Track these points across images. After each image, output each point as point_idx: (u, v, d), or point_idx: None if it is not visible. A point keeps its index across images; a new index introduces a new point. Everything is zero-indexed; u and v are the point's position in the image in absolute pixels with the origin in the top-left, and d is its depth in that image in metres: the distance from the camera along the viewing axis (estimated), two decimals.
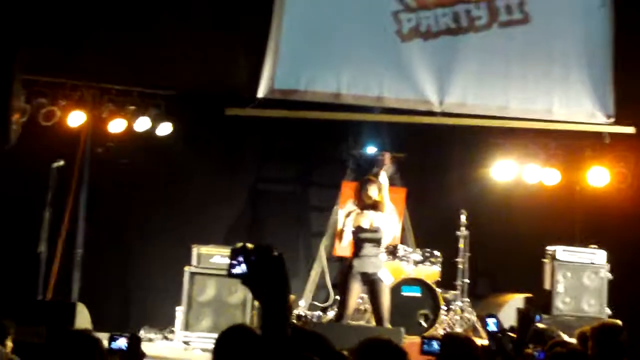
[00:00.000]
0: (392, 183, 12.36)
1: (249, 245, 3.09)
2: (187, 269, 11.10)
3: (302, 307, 11.99)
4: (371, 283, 9.69)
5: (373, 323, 10.14)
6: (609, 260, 11.44)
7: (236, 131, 12.41)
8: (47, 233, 11.03)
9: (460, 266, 11.96)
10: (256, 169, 13.41)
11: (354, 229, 9.71)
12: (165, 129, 12.22)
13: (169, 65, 11.93)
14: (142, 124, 12.11)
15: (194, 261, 11.14)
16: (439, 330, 10.92)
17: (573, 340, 6.61)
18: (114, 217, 12.26)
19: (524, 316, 6.09)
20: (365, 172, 11.71)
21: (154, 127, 12.16)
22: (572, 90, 11.76)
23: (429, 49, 11.76)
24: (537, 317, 6.27)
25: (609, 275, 11.40)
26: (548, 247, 11.61)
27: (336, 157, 13.14)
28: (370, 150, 12.79)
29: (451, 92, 11.65)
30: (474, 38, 11.81)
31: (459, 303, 11.74)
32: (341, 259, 11.78)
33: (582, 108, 11.72)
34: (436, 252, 11.76)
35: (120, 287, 12.46)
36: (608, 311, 11.24)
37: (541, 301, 11.36)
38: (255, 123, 12.07)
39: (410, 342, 8.60)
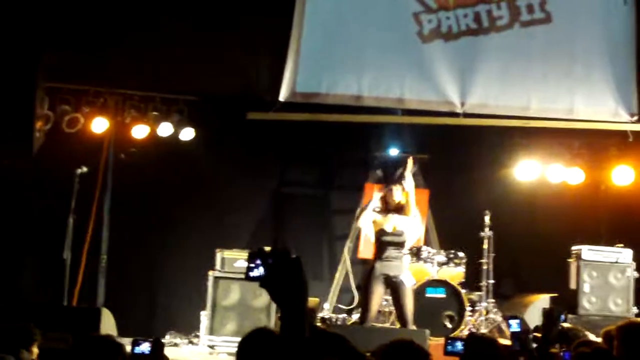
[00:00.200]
0: (415, 185, 12.37)
1: (267, 248, 3.09)
2: (211, 273, 11.13)
3: (326, 310, 11.99)
4: (394, 285, 9.68)
5: (398, 325, 10.12)
6: (635, 259, 11.36)
7: (258, 135, 12.42)
8: (72, 239, 11.08)
9: (484, 267, 11.92)
10: (279, 172, 13.42)
11: (377, 232, 9.71)
12: (187, 134, 12.27)
13: (190, 70, 11.97)
14: (165, 129, 12.17)
15: (218, 265, 11.17)
16: (464, 331, 10.88)
17: (599, 340, 6.56)
18: (138, 223, 12.30)
19: (549, 316, 6.06)
20: (388, 174, 11.70)
21: (176, 133, 12.21)
22: (595, 89, 11.68)
23: (450, 50, 11.72)
24: (562, 316, 6.25)
25: (636, 274, 11.32)
26: (573, 247, 11.55)
27: (358, 159, 13.13)
28: (393, 152, 12.78)
29: (473, 93, 11.60)
30: (496, 38, 11.76)
31: (484, 304, 11.70)
32: (364, 261, 11.77)
33: (605, 107, 11.64)
34: (460, 253, 11.73)
35: (145, 292, 12.50)
36: (635, 310, 11.17)
37: (567, 301, 11.30)
38: (277, 127, 12.07)
39: (435, 343, 8.58)
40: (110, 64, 11.89)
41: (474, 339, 5.72)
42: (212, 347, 10.88)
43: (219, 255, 11.17)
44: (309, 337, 3.09)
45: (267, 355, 4.13)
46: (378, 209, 10.02)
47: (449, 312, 11.03)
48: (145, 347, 5.02)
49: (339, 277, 12.37)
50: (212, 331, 10.98)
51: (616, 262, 11.39)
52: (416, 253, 11.51)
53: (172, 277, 12.40)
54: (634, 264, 11.37)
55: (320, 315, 11.53)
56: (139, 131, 12.17)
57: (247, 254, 3.12)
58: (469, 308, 11.24)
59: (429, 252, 11.63)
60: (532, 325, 6.58)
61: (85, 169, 11.31)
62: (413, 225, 10.28)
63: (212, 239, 11.75)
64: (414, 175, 11.97)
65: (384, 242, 9.68)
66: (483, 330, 11.07)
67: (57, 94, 11.81)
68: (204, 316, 11.10)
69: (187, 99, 12.35)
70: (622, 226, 12.15)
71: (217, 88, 12.11)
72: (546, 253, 11.99)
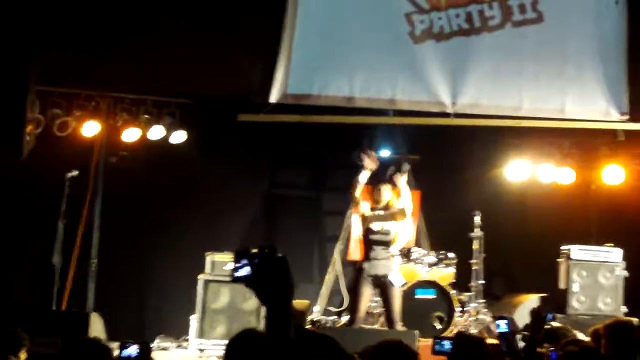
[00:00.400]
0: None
1: (253, 249, 3.09)
2: (201, 276, 11.12)
3: (316, 312, 11.99)
4: (382, 285, 9.68)
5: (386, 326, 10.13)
6: (624, 258, 11.37)
7: (250, 137, 12.41)
8: (62, 243, 11.06)
9: (475, 267, 11.93)
10: (270, 174, 13.42)
11: (364, 231, 9.70)
12: (179, 137, 12.25)
13: (182, 73, 11.95)
14: (156, 132, 12.15)
15: (208, 269, 11.16)
16: (454, 332, 10.89)
17: (588, 339, 6.58)
18: (129, 227, 12.28)
19: (536, 315, 6.07)
20: (379, 175, 11.71)
21: (168, 136, 12.19)
22: (586, 88, 11.69)
23: (441, 50, 11.72)
24: (550, 316, 6.26)
25: (625, 273, 11.33)
26: (563, 246, 11.56)
27: (350, 161, 13.12)
28: (384, 153, 12.78)
29: (464, 93, 11.60)
30: (487, 38, 11.76)
31: (474, 304, 11.71)
32: (355, 263, 11.79)
33: (596, 106, 11.65)
34: (451, 254, 11.75)
35: (135, 296, 12.48)
36: (624, 309, 11.18)
37: (557, 300, 11.32)
38: (268, 129, 12.07)
39: (425, 344, 8.57)
40: (102, 67, 11.86)
41: (462, 339, 5.73)
42: (201, 350, 10.86)
43: (208, 258, 11.16)
44: (294, 337, 3.08)
45: (254, 357, 4.13)
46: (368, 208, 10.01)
47: (438, 313, 11.05)
48: (132, 350, 5.01)
49: (329, 279, 12.37)
50: (201, 334, 10.97)
51: (605, 262, 11.41)
52: (406, 254, 11.53)
53: (162, 280, 12.37)
54: (624, 263, 11.38)
55: (310, 317, 11.53)
56: (131, 134, 12.14)
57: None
58: (458, 309, 11.25)
59: (419, 253, 11.65)
60: (521, 325, 6.60)
61: (75, 173, 11.29)
62: (402, 225, 10.29)
63: (203, 241, 11.74)
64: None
65: (371, 241, 9.67)
66: (472, 331, 11.06)
67: (48, 97, 11.77)
68: (194, 319, 11.09)
69: (179, 101, 12.33)
70: (612, 226, 12.18)
71: (208, 90, 12.10)
72: (536, 253, 12.01)
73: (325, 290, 12.33)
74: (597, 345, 5.70)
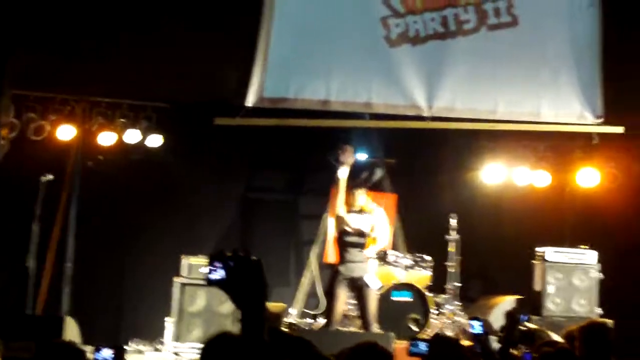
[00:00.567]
0: (382, 189, 12.41)
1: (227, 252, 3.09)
2: (177, 279, 11.09)
3: (293, 315, 11.99)
4: (358, 288, 9.68)
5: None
6: (599, 261, 11.43)
7: (226, 141, 12.40)
8: (37, 247, 11.01)
9: (451, 270, 11.95)
10: (246, 178, 13.41)
11: (339, 233, 9.70)
12: (155, 140, 12.22)
13: (158, 76, 11.93)
14: (132, 136, 12.12)
15: (184, 272, 11.15)
16: (430, 334, 10.90)
17: (563, 341, 6.61)
18: (104, 230, 12.25)
19: (511, 317, 6.11)
20: (354, 178, 11.73)
21: (144, 139, 12.17)
22: (561, 91, 11.75)
23: (417, 54, 11.74)
24: (524, 317, 6.30)
25: (600, 275, 11.39)
26: (538, 249, 11.61)
27: (326, 164, 13.13)
28: (361, 156, 12.79)
29: (440, 97, 11.63)
30: (463, 42, 11.79)
31: (450, 307, 11.74)
32: (331, 265, 11.79)
33: (571, 109, 11.71)
34: (427, 257, 11.78)
35: (111, 300, 12.43)
36: (599, 311, 11.23)
37: (532, 302, 11.36)
38: (245, 132, 12.05)
39: (401, 346, 8.58)
40: (77, 71, 11.83)
41: (438, 340, 5.74)
42: (176, 354, 10.83)
43: (184, 261, 11.15)
44: (269, 340, 3.09)
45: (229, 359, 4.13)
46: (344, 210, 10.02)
47: (414, 315, 11.06)
48: (107, 354, 4.99)
49: (305, 281, 12.37)
50: (177, 338, 10.95)
51: (580, 264, 11.46)
52: (383, 257, 11.54)
53: (138, 284, 12.34)
54: (598, 265, 11.44)
55: (286, 320, 11.53)
56: (107, 138, 12.11)
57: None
58: (434, 311, 11.27)
59: (395, 256, 11.66)
60: (497, 327, 6.62)
61: (50, 177, 11.24)
62: (379, 227, 10.32)
63: (179, 245, 11.72)
64: (381, 178, 12.08)
65: (346, 243, 9.67)
66: (448, 333, 11.09)
67: (23, 101, 11.73)
68: (170, 323, 11.06)
69: (155, 105, 12.31)
70: (587, 228, 12.24)
71: (185, 94, 12.09)
72: (512, 255, 12.05)
73: (301, 293, 12.33)
74: (572, 347, 5.73)
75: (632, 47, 11.99)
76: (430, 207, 12.70)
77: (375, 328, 9.72)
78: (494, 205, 12.73)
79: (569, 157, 12.68)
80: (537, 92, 11.77)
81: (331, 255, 11.91)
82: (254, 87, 11.57)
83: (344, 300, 9.98)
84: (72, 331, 9.86)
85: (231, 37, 11.94)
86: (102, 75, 11.83)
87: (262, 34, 11.62)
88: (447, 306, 11.73)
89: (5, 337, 6.85)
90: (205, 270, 3.08)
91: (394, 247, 12.31)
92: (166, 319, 11.12)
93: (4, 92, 11.10)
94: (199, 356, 4.24)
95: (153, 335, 11.60)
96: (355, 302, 10.13)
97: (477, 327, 5.93)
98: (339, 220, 9.74)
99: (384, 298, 10.67)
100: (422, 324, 11.01)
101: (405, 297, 11.14)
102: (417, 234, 12.60)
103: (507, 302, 11.49)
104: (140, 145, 12.17)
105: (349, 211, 9.78)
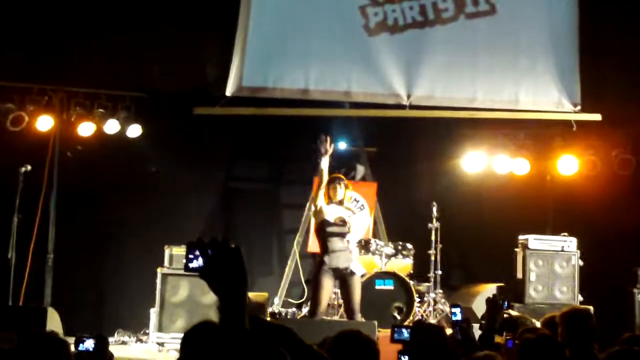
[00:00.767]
0: (363, 177, 12.41)
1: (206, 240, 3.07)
2: (159, 270, 11.06)
3: (276, 305, 11.99)
4: (343, 277, 9.67)
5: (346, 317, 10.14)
6: (579, 248, 11.48)
7: (206, 131, 12.37)
8: (17, 238, 10.96)
9: (432, 258, 11.96)
10: (227, 167, 13.39)
11: (320, 224, 9.67)
12: (134, 130, 12.18)
13: (137, 66, 11.90)
14: (111, 126, 12.08)
15: (166, 262, 11.12)
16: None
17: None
18: (85, 221, 12.19)
19: (492, 304, 6.13)
20: (334, 167, 11.74)
21: (123, 130, 12.12)
22: (539, 79, 11.79)
23: (396, 43, 11.75)
24: (505, 304, 6.31)
25: (580, 262, 11.43)
26: (520, 236, 11.64)
27: (307, 153, 13.12)
28: (341, 145, 12.79)
29: (419, 85, 11.64)
30: (441, 30, 11.80)
31: (432, 295, 11.75)
32: (314, 255, 11.77)
33: (549, 97, 11.76)
34: (408, 245, 11.78)
35: (93, 291, 12.39)
36: (580, 298, 11.28)
37: (514, 290, 11.39)
38: (225, 122, 12.03)
39: (384, 335, 8.59)
40: (55, 62, 11.79)
41: (420, 327, 5.76)
42: (161, 344, 10.81)
43: (167, 251, 11.12)
44: (250, 328, 3.08)
45: (210, 348, 4.12)
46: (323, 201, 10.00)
47: (397, 304, 11.06)
48: (89, 344, 4.98)
49: (288, 271, 12.36)
50: (161, 328, 10.91)
51: (562, 251, 11.49)
52: (365, 245, 11.55)
53: (120, 275, 12.30)
54: (579, 252, 11.49)
55: (270, 309, 11.52)
56: (85, 129, 12.06)
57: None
58: (417, 299, 11.29)
59: (377, 245, 11.67)
60: (479, 315, 6.63)
61: (29, 167, 11.19)
62: (358, 216, 10.32)
63: (161, 235, 11.67)
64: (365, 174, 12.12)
65: (328, 233, 9.65)
66: (431, 321, 11.12)
67: (0, 92, 11.66)
68: (153, 313, 11.04)
69: (134, 95, 12.27)
70: (567, 215, 12.29)
71: (164, 84, 12.06)
72: (493, 243, 12.08)
73: (284, 282, 12.32)
74: (552, 333, 5.74)
75: (608, 36, 12.07)
76: (411, 195, 12.72)
77: (359, 317, 9.72)
78: (475, 193, 12.77)
79: (548, 145, 12.73)
80: (515, 79, 11.81)
81: (313, 245, 11.91)
82: (233, 76, 11.55)
83: (330, 290, 9.96)
84: (54, 322, 9.83)
85: (210, 26, 11.92)
86: (80, 66, 11.79)
87: (240, 23, 11.59)
88: (429, 294, 11.74)
89: None
90: (184, 258, 3.07)
91: (375, 236, 12.32)
92: (151, 310, 11.09)
93: None
94: (179, 345, 4.25)
95: (138, 326, 11.57)
96: (340, 291, 10.11)
97: (457, 315, 5.95)
98: (319, 211, 9.71)
99: (367, 287, 10.67)
100: (406, 312, 11.02)
101: (388, 286, 11.13)
102: (399, 222, 12.62)
103: (489, 290, 11.48)
104: (119, 136, 12.11)
105: (329, 202, 9.74)
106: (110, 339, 10.70)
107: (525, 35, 11.88)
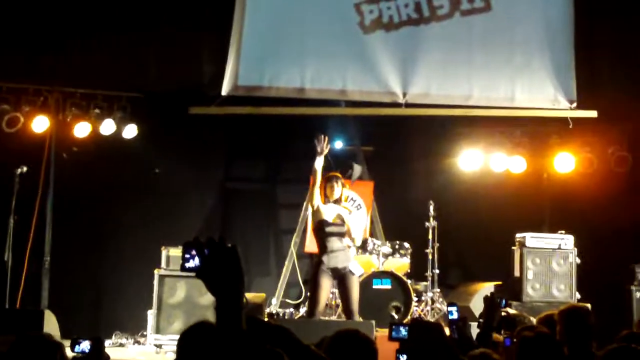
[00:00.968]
0: (360, 177, 12.37)
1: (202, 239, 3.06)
2: (156, 271, 11.04)
3: (274, 305, 11.96)
4: (342, 277, 9.62)
5: (344, 317, 10.12)
6: (576, 245, 11.47)
7: (203, 130, 12.36)
8: (13, 240, 10.93)
9: (429, 257, 11.94)
10: (224, 167, 13.37)
11: (318, 223, 9.62)
12: (130, 131, 12.16)
13: (132, 66, 11.89)
14: (107, 127, 12.06)
15: (163, 263, 11.10)
16: None
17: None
18: (82, 222, 12.17)
19: (490, 302, 6.10)
20: (331, 166, 11.72)
21: (119, 130, 12.10)
22: (535, 76, 11.78)
23: (391, 40, 11.74)
24: (503, 302, 6.29)
25: (577, 260, 11.43)
26: (517, 234, 11.63)
27: (304, 152, 13.09)
28: (338, 144, 12.77)
29: (415, 83, 11.63)
30: (436, 28, 11.80)
31: (429, 294, 11.73)
32: (311, 255, 11.75)
33: (545, 94, 11.74)
34: (405, 244, 11.76)
35: (90, 293, 12.37)
36: (578, 296, 11.27)
37: (512, 288, 11.38)
38: (221, 121, 12.03)
39: (382, 335, 8.57)
40: (50, 62, 11.78)
41: (417, 324, 5.72)
42: (158, 346, 10.78)
43: (164, 252, 11.10)
44: (247, 328, 3.06)
45: (206, 348, 4.10)
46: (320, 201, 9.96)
47: (395, 303, 11.03)
48: (85, 346, 4.95)
49: (285, 272, 12.33)
50: (158, 330, 10.90)
51: (559, 249, 11.48)
52: (362, 245, 11.52)
53: (118, 276, 12.28)
54: (576, 249, 11.48)
55: (267, 310, 11.49)
56: (81, 129, 12.04)
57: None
58: (415, 298, 11.27)
59: (374, 244, 11.64)
60: (477, 314, 6.60)
61: (25, 169, 11.16)
62: (355, 216, 10.31)
63: (158, 236, 11.65)
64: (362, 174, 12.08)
65: (326, 233, 9.60)
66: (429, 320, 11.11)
67: None
68: (150, 315, 11.01)
69: (130, 95, 12.25)
70: (564, 213, 12.28)
71: (159, 84, 12.05)
72: (490, 241, 12.06)
73: (282, 283, 12.29)
74: (550, 331, 5.72)
75: (603, 32, 12.06)
76: (408, 194, 12.71)
77: (358, 318, 9.68)
78: (472, 191, 12.74)
79: (545, 142, 12.71)
80: (511, 76, 11.80)
81: (311, 245, 11.89)
82: (229, 75, 11.54)
83: (328, 290, 9.92)
84: (51, 325, 9.80)
85: (206, 25, 11.91)
86: (76, 66, 11.78)
87: (235, 22, 11.59)
88: (427, 293, 11.72)
89: None
90: (181, 258, 3.05)
91: (372, 235, 12.30)
92: (148, 311, 11.07)
93: None
94: (176, 345, 4.23)
95: (135, 328, 11.54)
96: (338, 291, 10.06)
97: (454, 313, 5.93)
98: (317, 211, 9.66)
99: (365, 286, 10.64)
100: (404, 311, 10.99)
101: (385, 285, 11.11)
102: (395, 221, 12.59)
103: (487, 288, 11.48)
104: (115, 136, 12.09)
105: (326, 202, 9.69)
106: (108, 341, 10.72)
107: (520, 32, 11.87)
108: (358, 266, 9.76)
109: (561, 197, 12.52)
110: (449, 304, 6.10)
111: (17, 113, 11.70)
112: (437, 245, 11.94)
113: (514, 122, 12.43)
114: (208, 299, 10.80)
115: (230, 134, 12.84)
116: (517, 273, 11.53)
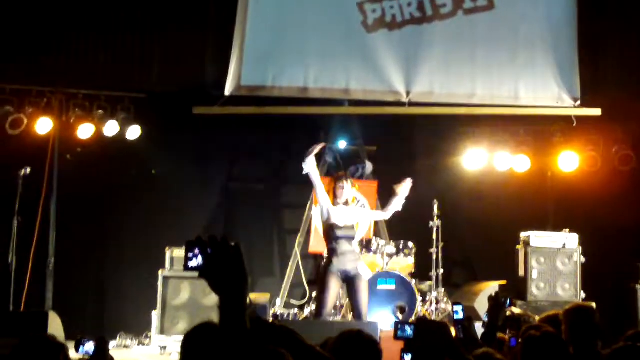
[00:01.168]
0: (363, 176, 12.35)
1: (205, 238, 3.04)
2: (161, 272, 11.03)
3: (278, 306, 11.94)
4: (351, 280, 9.56)
5: (349, 318, 10.09)
6: (581, 244, 11.44)
7: (206, 130, 12.34)
8: (17, 242, 10.92)
9: (434, 256, 11.91)
10: (228, 167, 13.34)
11: (328, 227, 9.56)
12: (134, 132, 12.15)
13: (135, 67, 11.88)
14: (111, 128, 12.04)
15: (167, 264, 11.08)
16: None
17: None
18: (86, 224, 12.16)
19: (495, 301, 6.09)
20: (338, 166, 11.71)
21: (122, 131, 12.09)
22: (538, 74, 11.76)
23: (394, 39, 11.73)
24: (508, 302, 6.27)
25: (582, 259, 11.40)
26: (521, 234, 11.60)
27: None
28: (342, 144, 12.75)
29: (418, 82, 11.61)
30: (439, 26, 11.78)
31: (434, 293, 11.71)
32: (316, 256, 11.72)
33: (549, 92, 11.72)
34: (410, 244, 11.73)
35: (95, 294, 12.37)
36: (582, 295, 11.24)
37: (516, 288, 11.36)
38: (225, 121, 12.01)
39: (386, 335, 8.55)
40: (53, 64, 11.77)
41: (423, 323, 5.70)
42: (163, 347, 10.77)
43: (168, 253, 11.09)
44: (250, 328, 3.04)
45: (210, 349, 4.08)
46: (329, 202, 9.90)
47: (400, 303, 11.02)
48: (89, 347, 4.96)
49: (290, 272, 12.31)
50: (162, 331, 10.90)
51: (563, 248, 11.46)
52: (366, 245, 11.50)
53: (122, 277, 12.28)
54: (580, 248, 11.45)
55: (271, 310, 11.47)
56: (85, 130, 12.03)
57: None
58: (419, 298, 11.24)
59: (378, 244, 11.62)
60: (482, 313, 6.59)
61: (29, 170, 11.15)
62: (362, 215, 10.29)
63: (162, 237, 11.64)
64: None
65: (336, 236, 9.54)
66: None
67: None
68: (155, 316, 11.00)
69: (133, 96, 12.24)
70: (569, 212, 12.24)
71: (163, 84, 12.04)
72: (495, 240, 12.05)
73: (286, 283, 12.27)
74: (556, 331, 5.70)
75: (607, 30, 12.04)
76: (412, 193, 12.64)
77: (366, 319, 9.64)
78: (476, 190, 12.72)
79: (549, 141, 12.68)
80: (515, 75, 11.78)
81: (315, 245, 11.86)
82: (232, 75, 11.55)
83: (336, 293, 9.87)
84: (56, 326, 9.78)
85: (209, 26, 11.90)
86: (79, 67, 11.78)
87: (238, 22, 11.59)
88: (431, 293, 11.70)
89: None
90: (184, 257, 3.03)
91: (376, 235, 12.28)
92: (153, 312, 11.05)
93: None
94: (180, 346, 4.21)
95: (140, 329, 11.51)
96: (347, 293, 10.01)
97: (459, 313, 5.90)
98: (327, 214, 9.59)
99: (369, 286, 10.61)
100: (408, 311, 10.97)
101: (390, 285, 11.08)
102: (400, 220, 12.53)
103: (491, 287, 11.46)
104: (118, 137, 12.08)
105: (335, 204, 9.62)
106: (112, 343, 10.70)
107: (524, 30, 11.84)
108: (367, 270, 9.72)
109: (565, 195, 12.49)
110: (455, 304, 6.07)
111: (20, 114, 11.68)
112: (441, 244, 11.93)
113: (517, 120, 12.40)
114: (212, 300, 10.78)
115: (233, 134, 12.82)
116: (521, 272, 11.51)
